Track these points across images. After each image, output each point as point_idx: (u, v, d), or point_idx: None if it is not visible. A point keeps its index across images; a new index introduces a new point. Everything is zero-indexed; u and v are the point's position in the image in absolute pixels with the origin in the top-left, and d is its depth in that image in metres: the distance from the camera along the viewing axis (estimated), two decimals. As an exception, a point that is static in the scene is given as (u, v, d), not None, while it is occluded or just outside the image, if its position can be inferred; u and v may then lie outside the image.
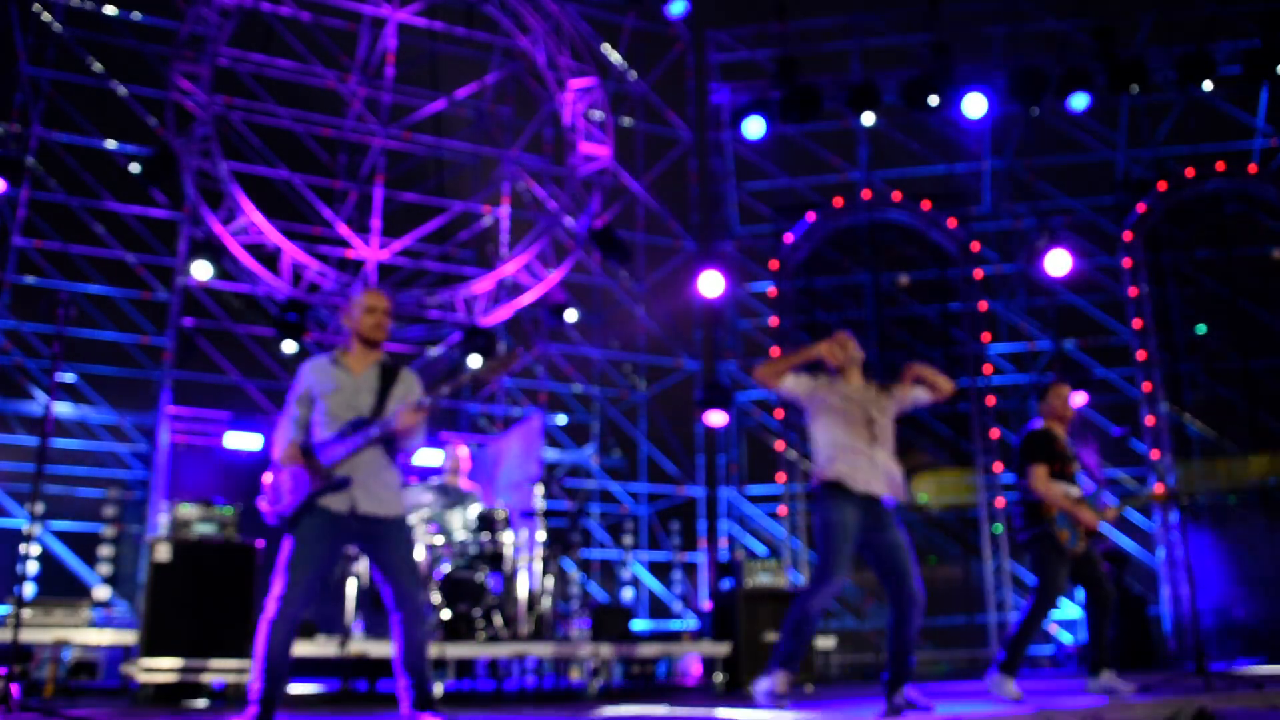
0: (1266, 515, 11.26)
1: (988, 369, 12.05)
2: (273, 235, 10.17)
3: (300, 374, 4.00)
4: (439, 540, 6.60)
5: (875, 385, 4.75)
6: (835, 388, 4.69)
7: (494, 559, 6.71)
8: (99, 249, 9.99)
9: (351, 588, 6.22)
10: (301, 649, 5.88)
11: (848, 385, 4.70)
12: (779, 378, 4.69)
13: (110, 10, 10.37)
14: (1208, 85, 11.22)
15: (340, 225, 10.88)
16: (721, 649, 7.16)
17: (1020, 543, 5.42)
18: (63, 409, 9.43)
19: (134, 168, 9.60)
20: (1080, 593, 5.51)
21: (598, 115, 11.97)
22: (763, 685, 3.88)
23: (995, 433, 11.76)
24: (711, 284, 11.33)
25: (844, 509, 4.40)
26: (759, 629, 7.07)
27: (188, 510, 5.85)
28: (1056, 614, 11.03)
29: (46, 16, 9.94)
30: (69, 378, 9.49)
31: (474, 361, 10.40)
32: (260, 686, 3.63)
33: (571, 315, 11.20)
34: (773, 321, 12.37)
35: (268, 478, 3.88)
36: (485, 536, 6.76)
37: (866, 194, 12.59)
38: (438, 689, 6.28)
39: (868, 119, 11.59)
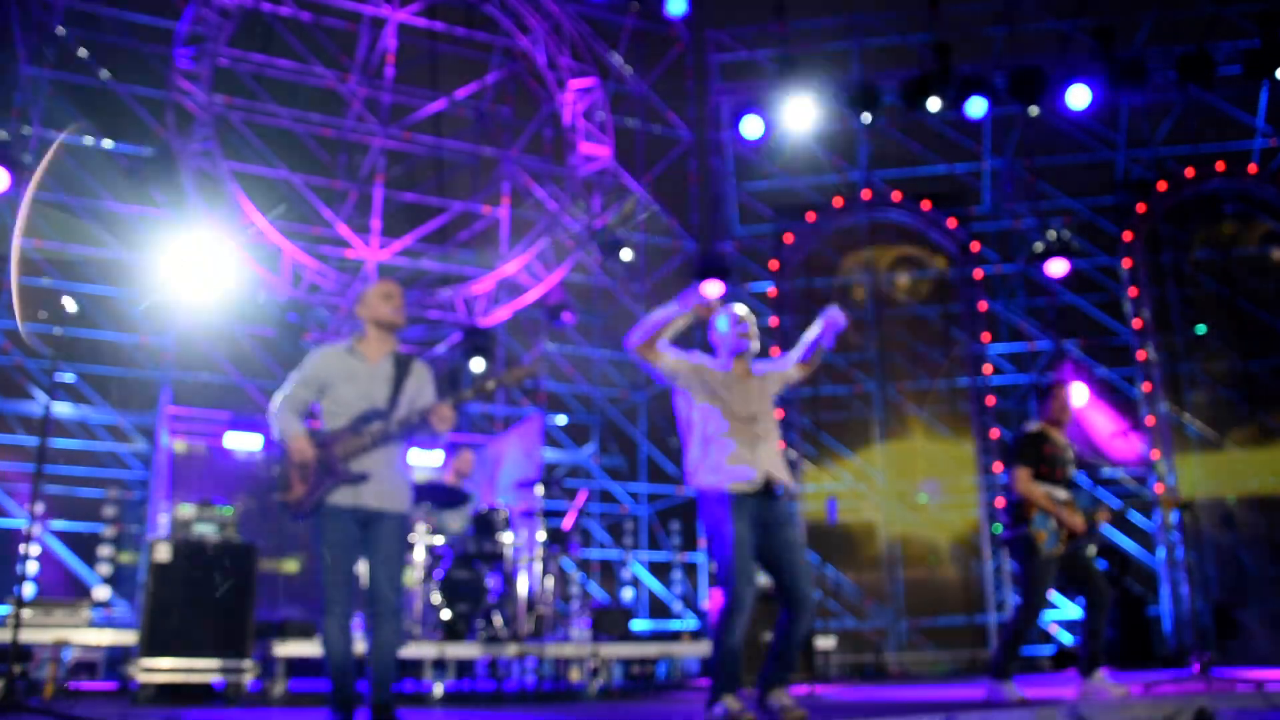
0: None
1: (988, 369, 12.05)
2: (273, 235, 10.17)
3: (311, 359, 3.94)
4: (439, 540, 6.60)
5: (754, 370, 4.34)
6: (718, 370, 4.25)
7: (494, 559, 6.72)
8: (99, 249, 9.99)
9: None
10: (302, 649, 5.89)
11: (732, 369, 4.28)
12: (655, 351, 4.16)
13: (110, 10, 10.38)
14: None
15: (340, 225, 10.88)
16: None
17: (1002, 541, 5.44)
18: (63, 409, 9.43)
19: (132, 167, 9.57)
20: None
21: (599, 115, 11.97)
22: (717, 710, 3.83)
23: (995, 433, 11.76)
24: (711, 285, 11.39)
25: (738, 518, 3.97)
26: (758, 629, 7.06)
27: (188, 510, 5.85)
28: (1056, 614, 11.03)
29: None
30: (69, 378, 9.49)
31: (477, 364, 10.41)
32: (331, 689, 3.70)
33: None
34: (773, 321, 12.37)
35: (282, 470, 3.82)
36: (485, 536, 6.76)
37: (866, 194, 12.58)
38: (438, 689, 6.29)
39: (867, 118, 11.58)
